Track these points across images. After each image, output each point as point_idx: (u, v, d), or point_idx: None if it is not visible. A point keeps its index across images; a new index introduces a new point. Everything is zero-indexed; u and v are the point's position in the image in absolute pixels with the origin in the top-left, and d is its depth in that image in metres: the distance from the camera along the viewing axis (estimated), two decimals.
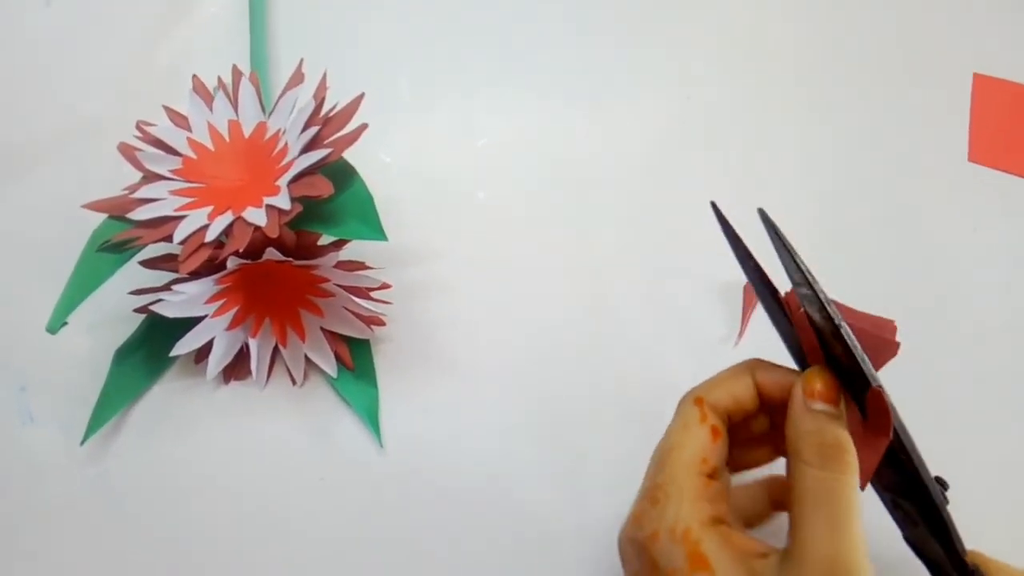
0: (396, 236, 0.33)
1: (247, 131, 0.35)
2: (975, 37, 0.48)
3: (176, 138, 0.35)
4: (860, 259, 0.41)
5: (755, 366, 0.27)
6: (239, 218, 0.32)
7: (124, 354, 0.36)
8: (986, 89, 0.46)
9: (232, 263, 0.31)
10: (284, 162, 0.33)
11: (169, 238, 0.32)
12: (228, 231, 0.32)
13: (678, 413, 0.27)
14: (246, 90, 0.35)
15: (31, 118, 0.44)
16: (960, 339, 0.39)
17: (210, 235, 0.31)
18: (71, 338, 0.36)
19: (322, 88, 0.33)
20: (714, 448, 0.25)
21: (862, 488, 0.23)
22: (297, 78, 0.34)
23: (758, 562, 0.23)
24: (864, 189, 0.43)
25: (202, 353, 0.35)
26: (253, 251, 0.32)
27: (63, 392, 0.36)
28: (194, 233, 0.32)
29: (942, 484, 0.25)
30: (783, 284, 0.26)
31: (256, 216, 0.31)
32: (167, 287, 0.33)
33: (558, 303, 0.39)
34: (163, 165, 0.34)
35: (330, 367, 0.36)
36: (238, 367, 0.36)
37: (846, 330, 0.23)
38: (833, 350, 0.24)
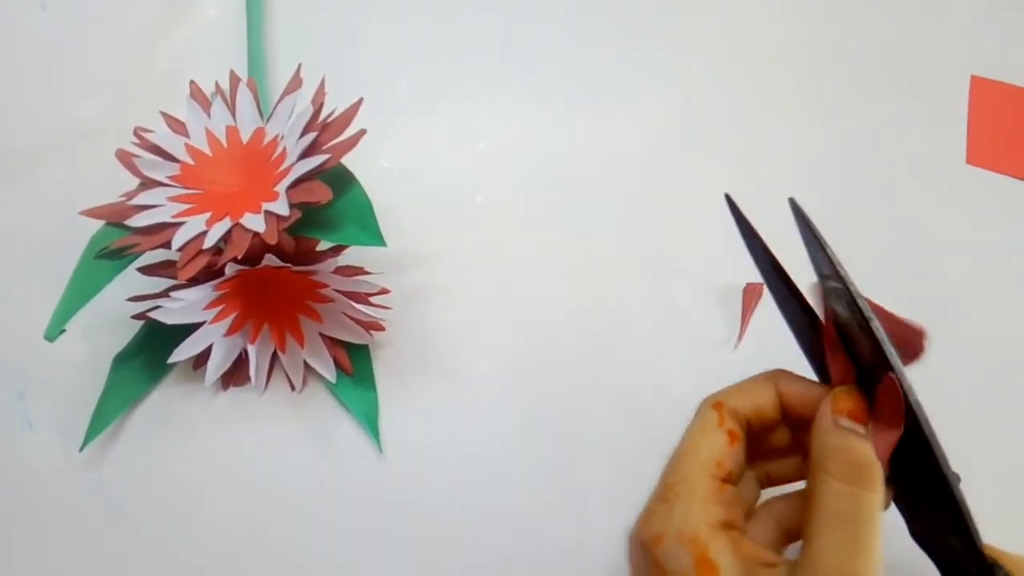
0: (395, 241, 0.33)
1: (245, 137, 0.35)
2: (973, 40, 0.48)
3: (174, 144, 0.35)
4: (859, 261, 0.40)
5: (779, 376, 0.26)
6: (237, 224, 0.32)
7: (123, 360, 0.36)
8: (984, 91, 0.46)
9: (230, 269, 0.31)
10: (282, 168, 0.33)
11: (167, 245, 0.32)
12: (226, 237, 0.32)
13: (697, 415, 0.26)
14: (244, 96, 0.35)
15: (28, 122, 0.44)
16: (959, 340, 0.39)
17: (208, 241, 0.31)
18: (70, 344, 0.35)
19: (320, 93, 0.33)
20: (730, 452, 0.25)
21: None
22: (295, 83, 0.34)
23: (766, 571, 0.22)
24: (863, 191, 0.43)
25: (201, 359, 0.35)
26: (252, 257, 0.32)
27: (62, 398, 0.36)
28: (192, 239, 0.32)
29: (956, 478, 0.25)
30: (798, 278, 0.25)
31: (254, 222, 0.31)
32: (165, 294, 0.33)
33: (558, 306, 0.39)
34: (161, 171, 0.34)
35: (329, 373, 0.36)
36: (237, 373, 0.36)
37: (876, 325, 0.22)
38: (857, 346, 0.23)
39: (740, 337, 0.39)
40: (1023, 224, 0.42)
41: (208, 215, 0.32)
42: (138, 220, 0.32)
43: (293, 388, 0.37)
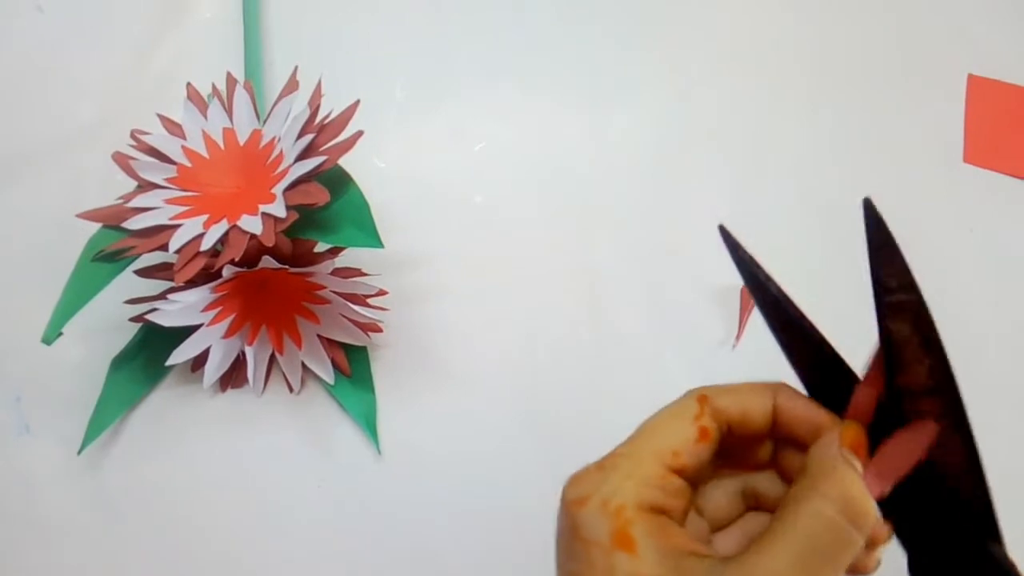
0: (392, 242, 0.32)
1: (242, 139, 0.35)
2: (970, 39, 0.48)
3: (171, 146, 0.34)
4: (857, 261, 0.41)
5: (780, 389, 0.24)
6: (235, 227, 0.32)
7: (120, 363, 0.36)
8: (981, 90, 0.46)
9: (228, 271, 0.31)
10: (279, 169, 0.33)
11: (165, 247, 0.32)
12: (224, 239, 0.32)
13: (677, 401, 0.25)
14: (241, 98, 0.35)
15: (25, 124, 0.44)
16: (957, 340, 0.39)
17: (205, 244, 0.31)
18: (67, 348, 0.35)
19: (317, 95, 0.33)
20: (694, 448, 0.23)
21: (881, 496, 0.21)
22: (292, 85, 0.34)
23: (690, 560, 0.21)
24: (860, 190, 0.43)
25: (199, 361, 0.35)
26: (249, 259, 0.32)
27: (59, 402, 0.36)
28: (189, 242, 0.32)
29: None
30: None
31: (252, 224, 0.31)
32: (163, 296, 0.33)
33: (556, 306, 0.39)
34: (158, 174, 0.34)
35: (327, 374, 0.36)
36: (235, 375, 0.36)
37: (942, 342, 0.21)
38: (907, 369, 0.22)
39: (738, 337, 0.39)
40: (1021, 222, 0.43)
41: (205, 217, 0.32)
42: (135, 222, 0.32)
43: (291, 390, 0.37)
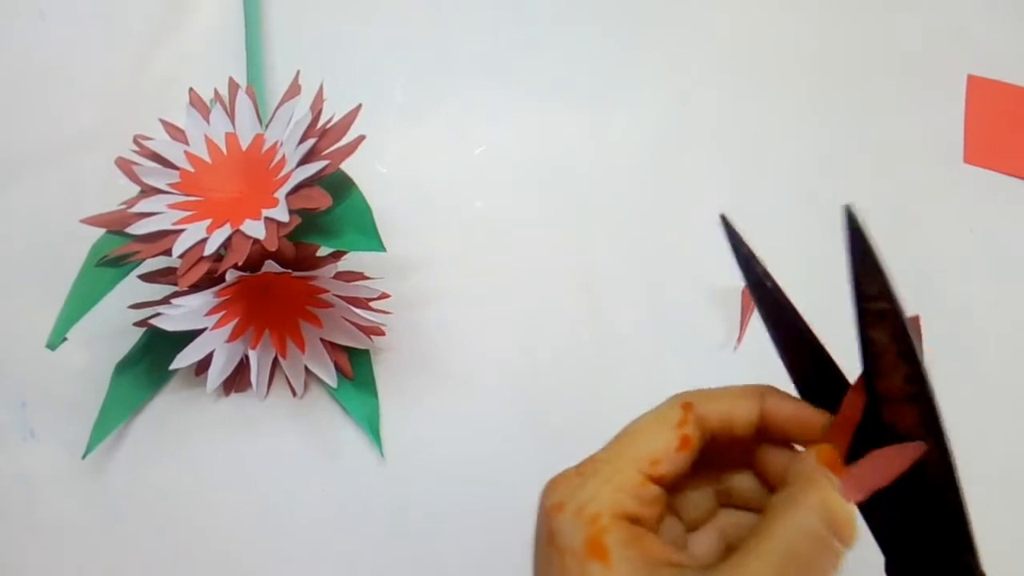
0: (394, 245, 0.33)
1: (244, 143, 0.35)
2: (969, 39, 0.48)
3: (174, 152, 0.35)
4: None
5: (767, 393, 0.24)
6: (238, 231, 0.32)
7: (124, 368, 0.36)
8: (980, 90, 0.46)
9: (231, 276, 0.32)
10: (282, 174, 0.33)
11: (168, 252, 0.32)
12: (227, 244, 0.32)
13: (662, 406, 0.24)
14: (243, 102, 0.35)
15: (28, 130, 0.44)
16: (957, 340, 0.39)
17: (209, 248, 0.32)
18: (71, 353, 0.36)
19: (319, 100, 0.33)
20: (674, 456, 0.23)
21: (857, 499, 0.21)
22: (294, 90, 0.34)
23: (666, 571, 0.21)
24: (860, 191, 0.43)
25: (202, 366, 0.35)
26: (252, 263, 0.32)
27: (64, 407, 0.36)
28: (193, 247, 0.32)
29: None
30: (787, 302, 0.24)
31: (255, 229, 0.32)
32: (166, 300, 0.33)
33: (557, 309, 0.40)
34: (161, 179, 0.34)
35: (330, 377, 0.36)
36: (238, 379, 0.36)
37: (922, 356, 0.21)
38: (885, 376, 0.22)
39: (739, 340, 0.39)
40: (1021, 223, 0.43)
41: (208, 222, 0.33)
42: (138, 228, 0.33)
43: (294, 393, 0.37)
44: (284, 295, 0.35)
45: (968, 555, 0.22)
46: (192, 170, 0.35)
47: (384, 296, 0.35)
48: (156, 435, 0.36)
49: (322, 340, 0.36)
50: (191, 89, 0.36)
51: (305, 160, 0.32)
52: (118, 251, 0.32)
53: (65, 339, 0.32)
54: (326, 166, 0.32)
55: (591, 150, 0.44)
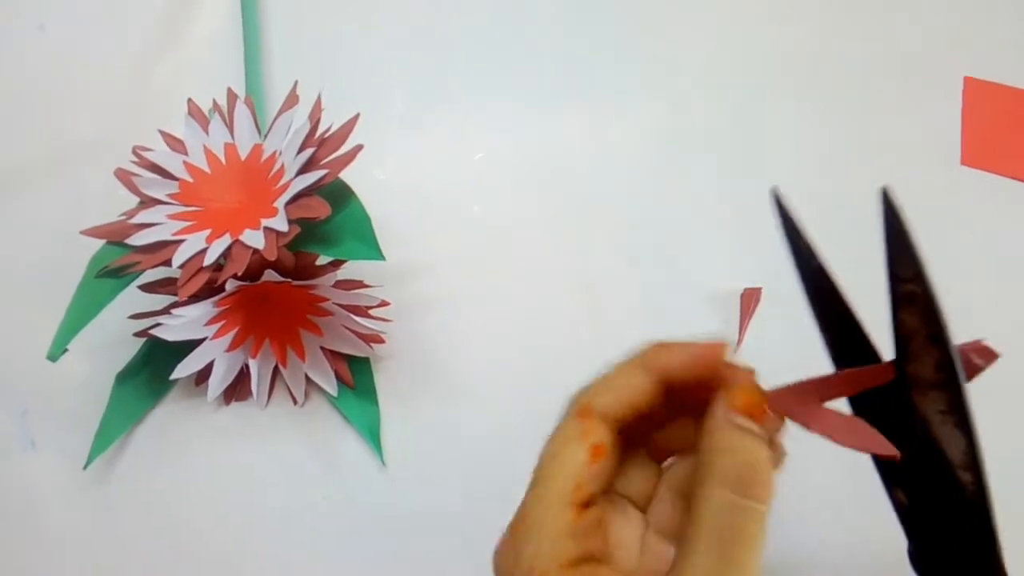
0: (393, 253, 0.33)
1: (243, 153, 0.35)
2: (966, 41, 0.48)
3: (173, 162, 0.35)
4: (854, 263, 0.41)
5: (655, 356, 0.23)
6: (237, 241, 0.32)
7: (125, 378, 0.36)
8: (977, 92, 0.46)
9: (231, 285, 0.32)
10: (281, 183, 0.33)
11: (168, 262, 0.32)
12: (227, 254, 0.32)
13: (560, 421, 0.24)
14: (241, 113, 0.36)
15: (27, 142, 0.44)
16: (956, 341, 0.39)
17: (208, 259, 0.32)
18: (72, 363, 0.36)
19: (317, 109, 0.33)
20: (592, 471, 0.22)
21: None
22: (292, 100, 0.35)
23: None
24: (859, 193, 0.43)
25: (203, 375, 0.35)
26: (252, 273, 0.32)
27: (65, 417, 0.36)
28: (192, 257, 0.32)
29: None
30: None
31: (254, 239, 0.32)
32: (167, 311, 0.33)
33: (557, 314, 0.40)
34: (160, 190, 0.34)
35: (331, 386, 0.36)
36: (239, 388, 0.36)
37: (952, 342, 0.21)
38: (913, 361, 0.22)
39: (739, 343, 0.39)
40: (1018, 224, 0.43)
41: (208, 232, 0.33)
42: (138, 238, 0.33)
43: (295, 402, 0.37)
44: (284, 304, 0.35)
45: (991, 548, 0.22)
46: (191, 180, 0.35)
47: (384, 304, 0.35)
48: (157, 445, 0.36)
49: (322, 348, 0.36)
50: (190, 100, 0.36)
51: (304, 169, 0.33)
52: (118, 262, 0.32)
53: (66, 350, 0.32)
54: (325, 175, 0.32)
55: (591, 154, 0.44)
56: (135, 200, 0.35)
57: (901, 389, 0.22)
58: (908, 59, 0.48)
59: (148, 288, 0.34)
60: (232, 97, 0.36)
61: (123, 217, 0.34)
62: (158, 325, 0.32)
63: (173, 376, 0.34)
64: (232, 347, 0.34)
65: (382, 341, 0.36)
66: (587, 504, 0.22)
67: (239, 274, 0.31)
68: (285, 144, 0.34)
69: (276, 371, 0.37)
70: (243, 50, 0.44)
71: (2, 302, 0.40)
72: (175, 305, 0.33)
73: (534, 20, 0.49)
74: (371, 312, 0.35)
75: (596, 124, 0.45)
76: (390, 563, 0.34)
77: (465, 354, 0.38)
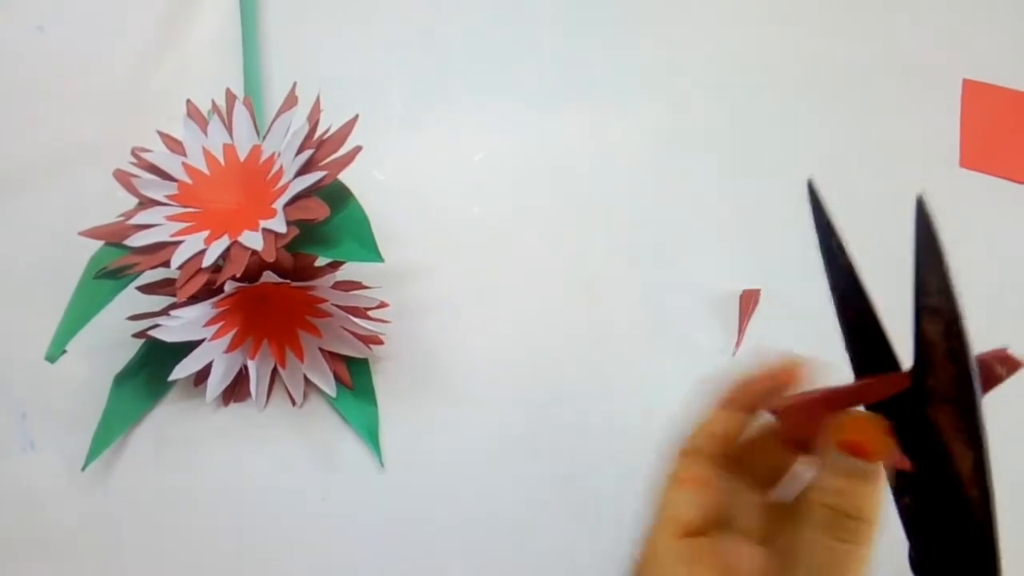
0: (392, 254, 0.33)
1: (242, 155, 0.35)
2: (965, 44, 0.48)
3: (171, 163, 0.35)
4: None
5: (737, 388, 0.25)
6: (236, 242, 0.32)
7: (124, 379, 0.36)
8: (976, 95, 0.46)
9: (230, 287, 0.32)
10: (279, 185, 0.33)
11: (166, 263, 0.32)
12: (225, 255, 0.32)
13: (669, 466, 0.25)
14: (240, 114, 0.35)
15: (26, 143, 0.44)
16: None
17: (207, 260, 0.32)
18: (71, 364, 0.36)
19: (316, 111, 0.33)
20: (693, 503, 0.24)
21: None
22: (291, 101, 0.35)
23: None
24: (858, 194, 0.43)
25: (201, 376, 0.35)
26: (250, 274, 0.32)
27: (64, 418, 0.36)
28: (191, 258, 0.32)
29: None
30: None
31: (253, 240, 0.32)
32: (165, 312, 0.33)
33: (556, 316, 0.40)
34: (159, 191, 0.34)
35: (329, 387, 0.36)
36: (237, 389, 0.36)
37: (973, 359, 0.21)
38: (931, 373, 0.22)
39: (738, 344, 0.39)
40: (1017, 226, 0.43)
41: (206, 233, 0.33)
42: (137, 239, 0.33)
43: (294, 403, 0.37)
44: (282, 305, 0.35)
45: (991, 563, 0.22)
46: (190, 182, 0.35)
47: (382, 305, 0.35)
48: (156, 445, 0.36)
49: (321, 350, 0.36)
50: (189, 101, 0.36)
51: (303, 171, 0.32)
52: (117, 263, 0.32)
53: (64, 351, 0.32)
54: (324, 177, 0.32)
55: (591, 154, 0.44)
56: (134, 201, 0.35)
57: (918, 399, 0.22)
58: (908, 61, 0.48)
59: (147, 289, 0.34)
60: (231, 98, 0.36)
61: (122, 218, 0.34)
62: (157, 326, 0.32)
63: (172, 377, 0.34)
64: (231, 348, 0.34)
65: (381, 342, 0.36)
66: (696, 534, 0.23)
67: (238, 275, 0.31)
68: (284, 145, 0.34)
69: (275, 372, 0.37)
70: (242, 51, 0.44)
71: (1, 302, 0.40)
72: (174, 306, 0.33)
73: (534, 20, 0.49)
74: (370, 313, 0.35)
75: (596, 124, 0.45)
76: (388, 563, 0.34)
77: (464, 355, 0.38)
